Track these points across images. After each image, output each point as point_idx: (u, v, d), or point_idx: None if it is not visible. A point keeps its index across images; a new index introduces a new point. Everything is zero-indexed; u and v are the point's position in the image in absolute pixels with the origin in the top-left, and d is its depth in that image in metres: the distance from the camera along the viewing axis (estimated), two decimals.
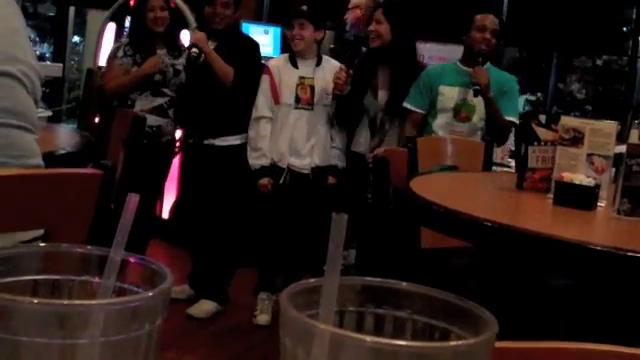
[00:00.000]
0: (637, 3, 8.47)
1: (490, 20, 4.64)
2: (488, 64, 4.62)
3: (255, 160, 4.73)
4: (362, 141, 4.76)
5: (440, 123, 4.60)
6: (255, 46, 4.96)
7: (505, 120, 4.44)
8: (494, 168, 4.72)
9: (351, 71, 4.58)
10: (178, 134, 5.19)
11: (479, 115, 4.53)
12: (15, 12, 2.24)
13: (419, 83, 4.66)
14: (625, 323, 2.45)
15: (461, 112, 4.57)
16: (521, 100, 5.68)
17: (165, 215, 6.43)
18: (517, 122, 4.57)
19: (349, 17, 5.60)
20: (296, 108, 4.71)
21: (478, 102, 4.48)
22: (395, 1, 5.07)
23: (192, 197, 5.13)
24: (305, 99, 4.72)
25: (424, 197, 2.56)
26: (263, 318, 4.74)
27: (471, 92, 4.45)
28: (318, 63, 4.79)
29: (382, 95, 4.69)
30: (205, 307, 4.84)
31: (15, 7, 2.27)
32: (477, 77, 4.38)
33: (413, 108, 4.65)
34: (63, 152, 3.10)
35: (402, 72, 4.68)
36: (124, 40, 5.27)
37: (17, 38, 2.19)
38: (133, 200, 0.68)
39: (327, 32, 5.21)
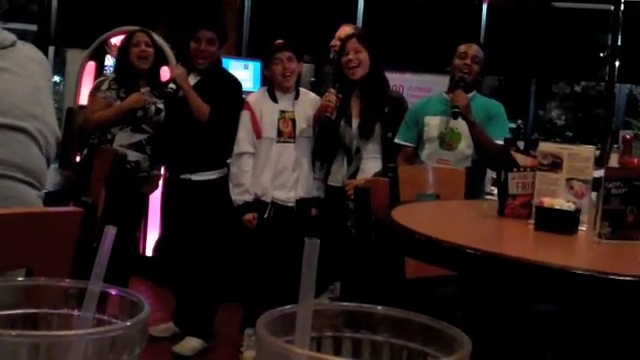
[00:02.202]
0: (612, 29, 8.56)
1: (472, 48, 4.68)
2: (474, 92, 4.65)
3: (238, 196, 4.72)
4: (337, 171, 4.75)
5: (427, 153, 4.61)
6: (237, 85, 4.99)
7: (495, 144, 4.42)
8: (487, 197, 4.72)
9: (340, 95, 4.59)
10: (155, 170, 5.18)
11: (466, 142, 4.54)
12: (40, 70, 2.26)
13: (406, 118, 4.70)
14: (611, 346, 2.46)
15: (446, 140, 4.59)
16: None
17: (149, 253, 6.41)
18: None
19: (337, 45, 5.56)
20: (278, 142, 4.72)
21: (463, 129, 4.49)
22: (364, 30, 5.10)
23: (173, 233, 5.12)
24: (287, 132, 4.73)
25: (406, 226, 2.57)
26: (250, 354, 4.70)
27: (451, 114, 4.47)
28: (296, 96, 4.80)
29: (356, 124, 4.70)
30: (190, 344, 4.81)
31: (43, 66, 2.29)
32: (456, 100, 4.42)
33: (403, 143, 4.67)
34: (45, 191, 3.10)
35: (374, 99, 4.70)
36: (110, 74, 5.32)
37: (39, 96, 2.21)
38: (110, 233, 0.69)
39: (307, 65, 5.22)
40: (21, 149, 2.12)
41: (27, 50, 2.26)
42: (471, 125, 4.42)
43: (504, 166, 2.99)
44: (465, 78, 4.57)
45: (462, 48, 4.69)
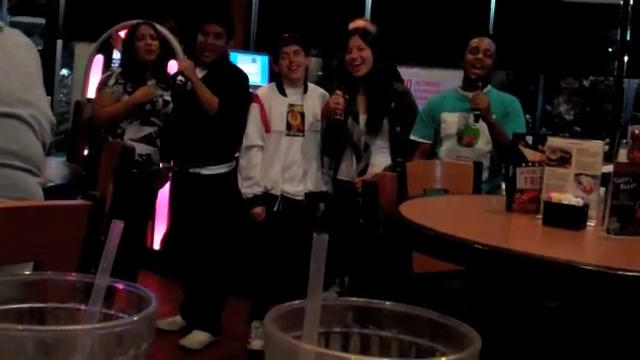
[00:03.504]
0: (621, 24, 8.53)
1: (484, 42, 4.63)
2: (489, 87, 4.63)
3: (247, 189, 4.72)
4: (347, 168, 4.74)
5: (445, 150, 4.60)
6: (244, 77, 4.99)
7: None
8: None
9: (347, 96, 4.58)
10: (164, 163, 5.18)
11: (484, 139, 4.52)
12: (31, 57, 2.25)
13: (422, 114, 4.69)
14: (617, 342, 2.45)
15: (464, 137, 4.57)
16: None
17: (156, 246, 6.42)
18: None
19: None
20: (287, 135, 4.72)
21: (482, 126, 4.47)
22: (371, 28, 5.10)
23: (181, 227, 5.12)
24: (296, 126, 4.72)
25: (414, 221, 2.56)
26: (257, 343, 4.70)
27: (472, 117, 4.46)
28: (305, 90, 4.80)
29: (363, 120, 4.68)
30: (198, 338, 4.82)
31: (31, 52, 2.29)
32: (476, 102, 4.39)
33: (419, 139, 4.66)
34: (52, 184, 3.10)
35: (380, 94, 4.69)
36: (116, 69, 5.32)
37: (30, 82, 2.20)
38: (117, 227, 0.68)
39: (314, 59, 5.20)
40: (18, 136, 2.12)
41: (14, 36, 2.25)
42: (491, 127, 4.40)
43: (512, 161, 2.99)
44: (480, 75, 4.54)
45: (474, 42, 4.64)
